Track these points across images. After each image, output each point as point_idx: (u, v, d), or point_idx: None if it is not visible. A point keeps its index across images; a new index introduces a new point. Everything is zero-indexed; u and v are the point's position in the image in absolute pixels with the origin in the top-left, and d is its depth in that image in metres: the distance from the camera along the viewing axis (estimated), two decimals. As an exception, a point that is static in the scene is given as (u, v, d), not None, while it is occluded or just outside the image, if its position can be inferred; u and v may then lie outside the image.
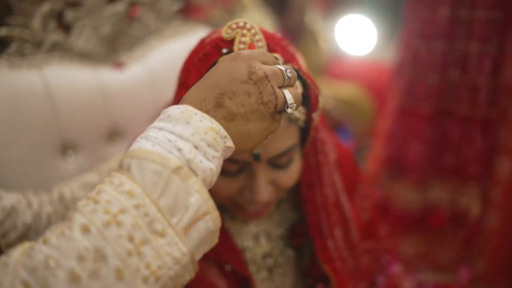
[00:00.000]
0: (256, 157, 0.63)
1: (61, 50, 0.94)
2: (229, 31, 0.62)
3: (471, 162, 1.21)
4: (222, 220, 0.51)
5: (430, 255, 1.31)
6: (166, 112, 0.50)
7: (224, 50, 0.62)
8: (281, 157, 0.67)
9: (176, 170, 0.45)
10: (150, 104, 1.04)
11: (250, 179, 0.67)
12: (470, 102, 1.19)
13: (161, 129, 0.48)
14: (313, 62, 1.95)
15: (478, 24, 1.14)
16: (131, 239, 0.42)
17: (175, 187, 0.45)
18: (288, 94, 0.54)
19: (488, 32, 1.14)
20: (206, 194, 0.46)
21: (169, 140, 0.47)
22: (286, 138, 0.66)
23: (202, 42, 0.66)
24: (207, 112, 0.50)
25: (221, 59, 0.59)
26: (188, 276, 0.47)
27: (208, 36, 0.67)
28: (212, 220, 0.47)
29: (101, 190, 0.45)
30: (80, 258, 0.40)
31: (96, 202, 0.43)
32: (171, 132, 0.48)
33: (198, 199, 0.46)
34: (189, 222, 0.45)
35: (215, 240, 0.50)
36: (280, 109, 0.54)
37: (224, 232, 0.68)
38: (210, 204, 0.47)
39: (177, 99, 0.65)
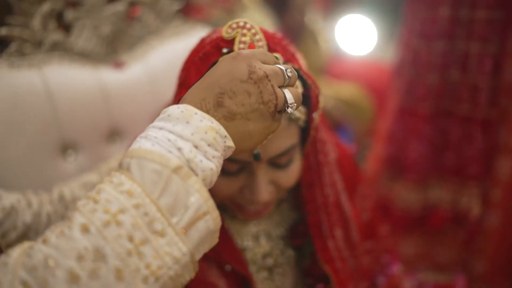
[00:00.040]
0: (257, 157, 0.63)
1: (61, 50, 0.94)
2: (229, 30, 0.62)
3: (471, 162, 1.21)
4: (222, 220, 0.51)
5: (430, 255, 1.31)
6: (166, 111, 0.50)
7: (225, 50, 0.62)
8: (282, 157, 0.67)
9: (176, 170, 0.45)
10: (150, 104, 1.04)
11: (250, 179, 0.67)
12: (470, 102, 1.19)
13: (161, 128, 0.48)
14: (313, 62, 1.95)
15: (478, 24, 1.14)
16: (130, 238, 0.42)
17: (175, 186, 0.45)
18: (288, 94, 0.54)
19: (488, 32, 1.14)
20: (206, 194, 0.46)
21: (169, 140, 0.47)
22: (286, 138, 0.66)
23: (202, 42, 0.66)
24: (207, 111, 0.50)
25: (221, 58, 0.59)
26: (188, 276, 0.47)
27: (208, 36, 0.67)
28: (212, 219, 0.47)
29: (100, 190, 0.44)
30: (80, 258, 0.40)
31: (95, 201, 0.43)
32: (171, 132, 0.48)
33: (198, 198, 0.45)
34: (189, 221, 0.45)
35: (215, 240, 0.50)
36: (280, 109, 0.54)
37: (224, 232, 0.68)
38: (210, 203, 0.47)
39: (177, 99, 0.65)
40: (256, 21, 1.08)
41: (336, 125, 1.87)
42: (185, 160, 0.46)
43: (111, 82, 0.98)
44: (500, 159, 1.18)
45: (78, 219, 0.42)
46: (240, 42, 0.61)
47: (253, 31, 0.62)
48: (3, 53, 0.87)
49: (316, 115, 0.66)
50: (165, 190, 0.44)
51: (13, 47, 0.87)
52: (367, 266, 0.85)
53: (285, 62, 0.64)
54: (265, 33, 0.63)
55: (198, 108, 0.49)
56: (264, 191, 0.67)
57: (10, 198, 0.74)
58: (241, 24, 0.62)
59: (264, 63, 0.54)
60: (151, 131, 0.48)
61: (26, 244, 0.42)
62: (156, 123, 0.49)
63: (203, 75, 0.54)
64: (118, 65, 1.01)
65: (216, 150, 0.48)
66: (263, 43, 0.62)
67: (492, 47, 1.14)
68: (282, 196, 0.76)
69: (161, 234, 0.43)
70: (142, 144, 0.47)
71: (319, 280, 0.77)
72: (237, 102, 0.50)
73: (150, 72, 1.05)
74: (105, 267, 0.40)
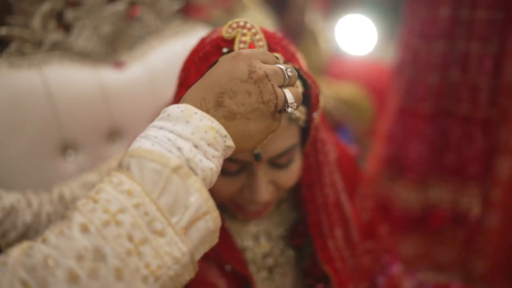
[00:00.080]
0: (257, 157, 0.63)
1: (61, 50, 0.94)
2: (229, 30, 0.62)
3: (471, 162, 1.21)
4: (222, 220, 0.50)
5: (430, 255, 1.31)
6: (166, 111, 0.49)
7: (225, 50, 0.62)
8: (282, 157, 0.67)
9: (176, 169, 0.45)
10: (150, 104, 1.04)
11: (251, 179, 0.67)
12: (470, 102, 1.19)
13: (160, 128, 0.48)
14: (313, 62, 1.96)
15: (478, 24, 1.14)
16: (130, 238, 0.42)
17: (175, 186, 0.45)
18: (288, 94, 0.54)
19: (488, 32, 1.14)
20: (206, 194, 0.46)
21: (169, 139, 0.47)
22: (286, 138, 0.66)
23: (202, 42, 0.66)
24: (207, 111, 0.49)
25: (221, 58, 0.59)
26: (188, 275, 0.47)
27: (208, 36, 0.67)
28: (212, 219, 0.47)
29: (100, 189, 0.44)
30: (79, 258, 0.40)
31: (95, 201, 0.43)
32: (171, 131, 0.47)
33: (198, 198, 0.45)
34: (189, 221, 0.45)
35: (215, 240, 0.50)
36: (280, 109, 0.54)
37: (224, 232, 0.68)
38: (210, 203, 0.47)
39: (177, 99, 0.65)
40: (256, 21, 1.08)
41: (336, 125, 1.87)
42: (185, 159, 0.46)
43: (111, 82, 0.98)
44: (500, 159, 1.18)
45: (78, 218, 0.42)
46: (240, 41, 0.61)
47: (253, 30, 0.62)
48: (3, 53, 0.87)
49: (316, 115, 0.66)
50: (165, 190, 0.44)
51: (13, 47, 0.87)
52: (367, 266, 0.85)
53: (285, 61, 0.64)
54: (265, 33, 0.63)
55: (198, 107, 0.49)
56: (264, 191, 0.67)
57: (10, 198, 0.73)
58: (241, 23, 0.62)
59: (264, 62, 0.53)
60: (151, 131, 0.48)
61: (25, 244, 0.42)
62: (156, 122, 0.49)
63: (203, 74, 0.54)
64: (118, 65, 1.01)
65: (216, 149, 0.48)
66: (263, 42, 0.62)
67: (492, 47, 1.14)
68: (282, 196, 0.76)
69: (161, 233, 0.43)
70: (142, 143, 0.47)
71: (319, 280, 0.77)
72: (237, 102, 0.50)
73: (150, 72, 1.05)
74: (105, 267, 0.40)
